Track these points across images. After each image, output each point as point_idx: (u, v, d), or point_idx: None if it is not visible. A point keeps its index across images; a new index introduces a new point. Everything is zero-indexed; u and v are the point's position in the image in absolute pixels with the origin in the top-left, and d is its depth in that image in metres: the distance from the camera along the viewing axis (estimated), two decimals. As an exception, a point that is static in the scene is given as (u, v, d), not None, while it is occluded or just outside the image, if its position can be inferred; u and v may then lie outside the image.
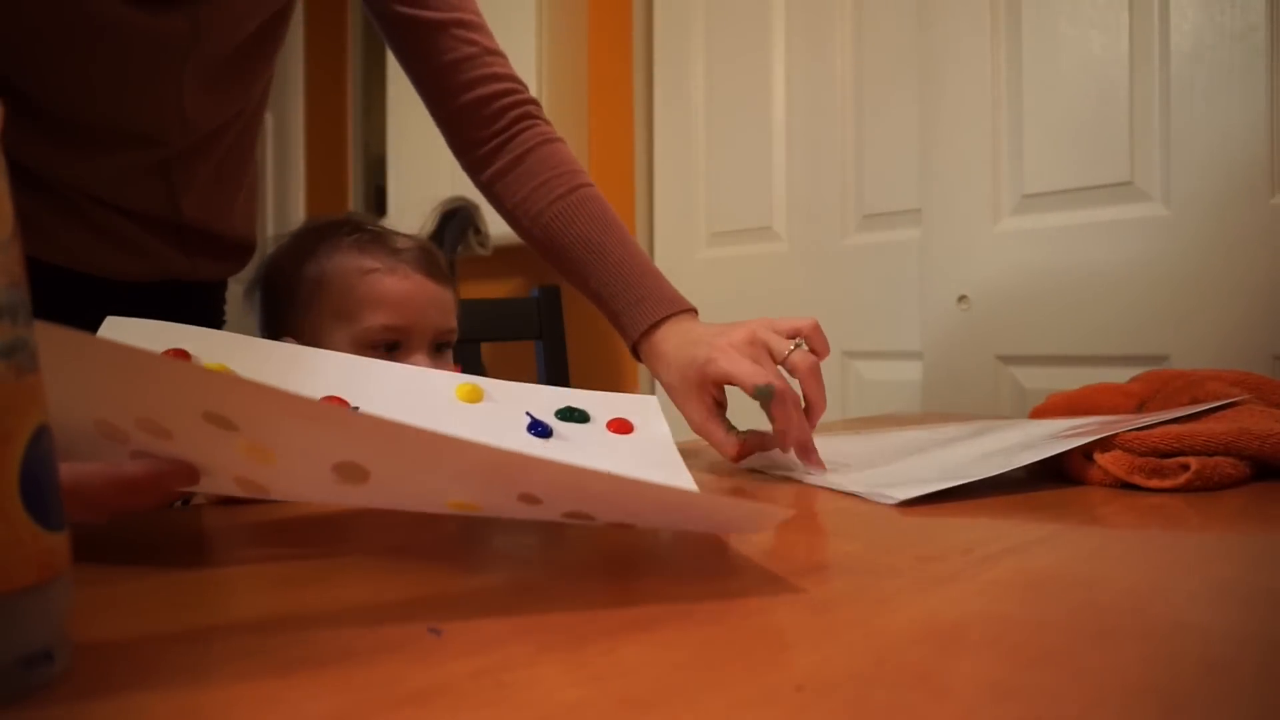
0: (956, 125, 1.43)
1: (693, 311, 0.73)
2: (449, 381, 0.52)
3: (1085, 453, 0.56)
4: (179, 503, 0.63)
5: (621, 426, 0.54)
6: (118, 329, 0.46)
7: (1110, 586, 0.33)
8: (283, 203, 2.93)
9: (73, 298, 0.71)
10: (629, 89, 2.17)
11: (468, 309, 0.91)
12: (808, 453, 0.62)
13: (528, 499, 0.33)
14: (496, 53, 0.80)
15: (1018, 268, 1.37)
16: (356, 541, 0.43)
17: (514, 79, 0.80)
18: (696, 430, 0.68)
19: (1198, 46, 1.20)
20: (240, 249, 0.84)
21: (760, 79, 1.84)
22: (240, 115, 0.77)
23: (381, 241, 0.77)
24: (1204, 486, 0.51)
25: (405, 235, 0.81)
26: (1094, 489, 0.54)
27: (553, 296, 1.11)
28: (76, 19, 0.60)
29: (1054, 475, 0.58)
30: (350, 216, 0.81)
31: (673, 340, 0.70)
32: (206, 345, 0.46)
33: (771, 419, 0.62)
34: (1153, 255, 1.24)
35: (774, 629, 0.28)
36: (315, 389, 0.45)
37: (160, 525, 0.49)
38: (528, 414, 0.51)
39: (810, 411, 0.63)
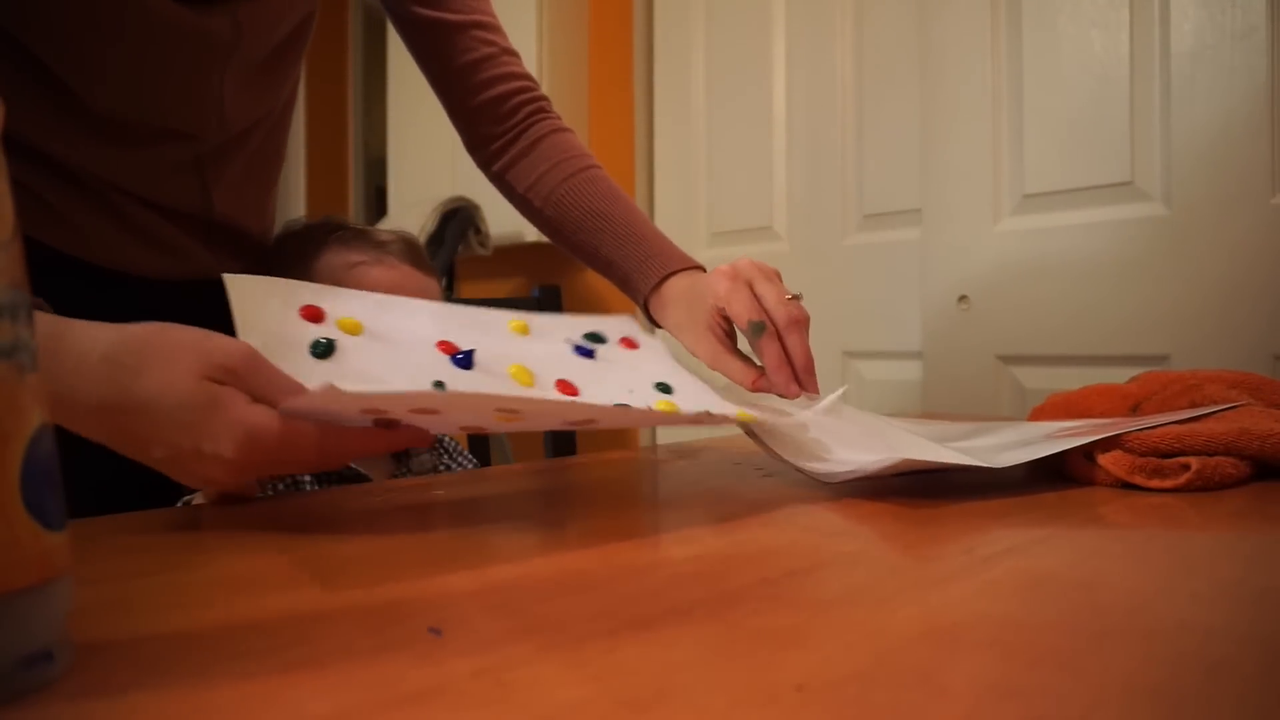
0: (957, 125, 1.43)
1: (702, 269, 0.74)
2: (501, 317, 0.62)
3: (1086, 453, 0.56)
4: (179, 503, 0.63)
5: (629, 344, 0.65)
6: (240, 286, 0.49)
7: (1110, 586, 0.33)
8: (283, 203, 2.92)
9: (96, 294, 0.71)
10: (629, 89, 2.17)
11: (468, 309, 0.91)
12: (809, 376, 0.63)
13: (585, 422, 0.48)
14: (512, 53, 0.82)
15: (1018, 268, 1.37)
16: (357, 541, 0.43)
17: (528, 77, 0.83)
18: (710, 364, 0.68)
19: (1198, 46, 1.20)
20: (263, 248, 0.84)
21: (760, 79, 1.84)
22: (270, 114, 0.78)
23: (365, 236, 0.79)
24: (1204, 486, 0.51)
25: (387, 230, 0.83)
26: (1094, 489, 0.54)
27: (553, 296, 1.11)
28: (126, 13, 0.61)
29: (1054, 475, 0.58)
30: (327, 219, 0.83)
31: (681, 285, 0.72)
32: (331, 301, 0.51)
33: (760, 354, 0.63)
34: (1153, 255, 1.24)
35: (774, 629, 0.28)
36: (429, 334, 0.55)
37: (160, 525, 0.49)
38: (567, 341, 0.62)
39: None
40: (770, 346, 0.62)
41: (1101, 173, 1.29)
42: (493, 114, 0.81)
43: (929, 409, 1.47)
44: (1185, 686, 0.23)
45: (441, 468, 0.85)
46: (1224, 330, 1.19)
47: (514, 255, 2.47)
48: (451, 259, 2.27)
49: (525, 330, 0.61)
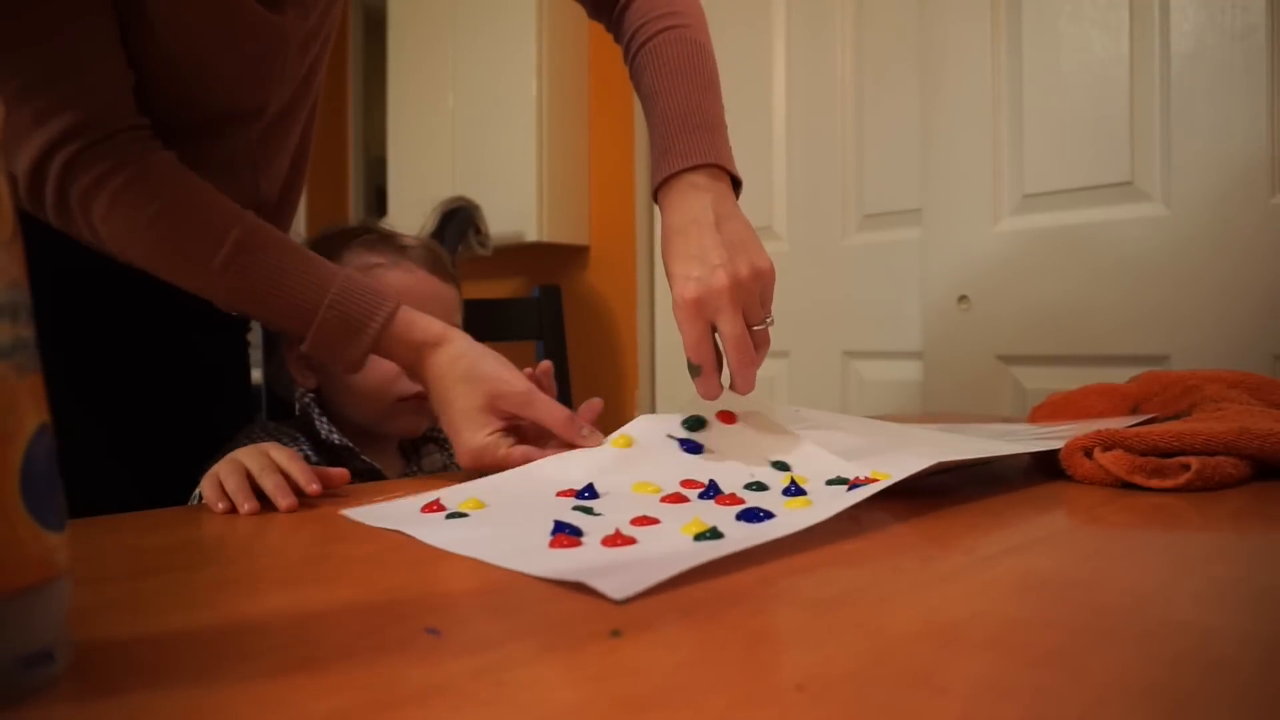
0: (957, 125, 1.43)
1: (705, 169, 0.67)
2: (604, 442, 0.60)
3: (1086, 452, 0.56)
4: (190, 501, 0.63)
5: (727, 418, 0.62)
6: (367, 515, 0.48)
7: (1110, 586, 0.33)
8: (283, 203, 2.93)
9: (129, 293, 0.74)
10: (629, 89, 2.16)
11: (468, 309, 0.91)
12: (745, 376, 0.59)
13: None
14: None
15: (1018, 268, 1.37)
16: (356, 542, 0.43)
17: None
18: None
19: (1198, 46, 1.20)
20: None
21: (760, 79, 1.84)
22: (308, 96, 0.81)
23: (389, 240, 0.81)
24: (1204, 486, 0.51)
25: (413, 236, 0.85)
26: (1094, 489, 0.54)
27: (553, 296, 1.11)
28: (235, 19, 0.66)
29: (1054, 475, 0.58)
30: (363, 222, 0.86)
31: (674, 208, 0.65)
32: (448, 497, 0.51)
33: (695, 386, 0.60)
34: (1153, 255, 1.24)
35: (774, 629, 0.28)
36: (546, 490, 0.54)
37: (160, 525, 0.49)
38: (670, 436, 0.60)
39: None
40: (702, 388, 0.59)
41: (1101, 173, 1.29)
42: None
43: (929, 409, 1.47)
44: (1184, 686, 0.23)
45: (452, 467, 0.85)
46: (1223, 330, 1.19)
47: (514, 255, 2.47)
48: (451, 259, 2.27)
49: (629, 443, 0.59)
